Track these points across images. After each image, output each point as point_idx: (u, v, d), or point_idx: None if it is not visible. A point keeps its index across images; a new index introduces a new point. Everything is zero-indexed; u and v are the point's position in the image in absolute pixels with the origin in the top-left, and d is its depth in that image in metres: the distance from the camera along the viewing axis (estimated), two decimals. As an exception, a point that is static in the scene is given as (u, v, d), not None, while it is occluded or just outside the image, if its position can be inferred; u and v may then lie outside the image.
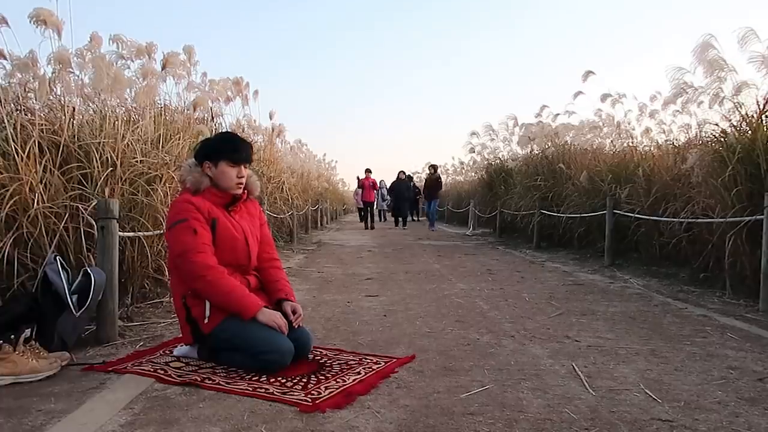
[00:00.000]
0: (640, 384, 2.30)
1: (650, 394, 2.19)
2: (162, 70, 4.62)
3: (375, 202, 17.45)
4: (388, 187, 19.49)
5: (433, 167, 16.14)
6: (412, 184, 21.06)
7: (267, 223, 2.87)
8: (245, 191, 2.66)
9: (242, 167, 2.58)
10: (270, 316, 2.44)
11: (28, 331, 2.41)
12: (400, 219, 16.69)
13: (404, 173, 17.30)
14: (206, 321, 2.44)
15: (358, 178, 17.35)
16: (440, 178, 17.07)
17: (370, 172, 17.14)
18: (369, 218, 16.19)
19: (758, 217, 4.08)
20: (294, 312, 2.60)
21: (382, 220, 22.20)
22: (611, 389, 2.25)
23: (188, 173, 2.58)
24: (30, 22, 3.57)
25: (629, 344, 2.97)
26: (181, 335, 3.04)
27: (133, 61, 4.41)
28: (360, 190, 20.49)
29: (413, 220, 21.29)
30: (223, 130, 2.68)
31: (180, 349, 2.68)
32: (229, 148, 2.57)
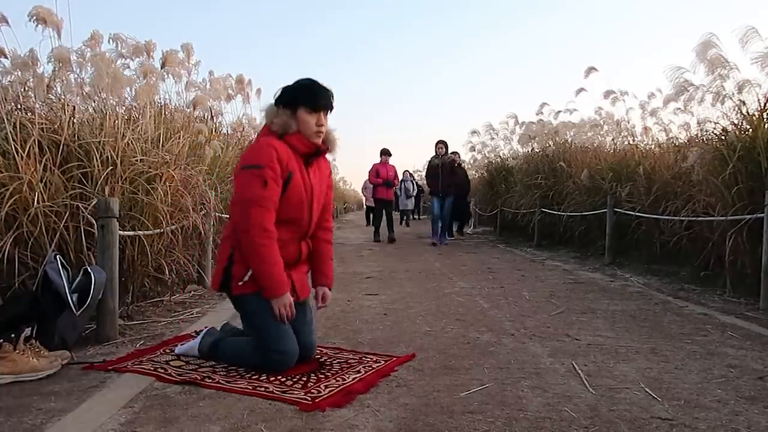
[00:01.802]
0: (640, 382, 2.30)
1: (650, 392, 2.18)
2: (161, 68, 4.62)
3: (395, 201, 12.69)
4: (415, 176, 15.07)
5: (441, 144, 9.67)
6: (413, 181, 17.58)
7: (332, 186, 2.78)
8: (325, 146, 2.54)
9: (321, 115, 2.45)
10: (280, 305, 2.36)
11: (28, 330, 2.41)
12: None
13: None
14: (241, 283, 2.38)
15: (375, 170, 10.40)
16: (460, 164, 11.65)
17: (390, 155, 10.59)
18: (387, 224, 10.45)
19: (759, 215, 4.08)
20: (323, 299, 2.64)
21: (405, 223, 16.62)
22: (611, 388, 2.24)
23: (275, 115, 2.45)
24: (29, 20, 3.57)
25: (629, 343, 2.97)
26: (181, 334, 3.05)
27: (132, 60, 4.41)
28: (369, 184, 16.26)
29: (414, 218, 19.29)
30: (303, 78, 2.54)
31: (181, 348, 2.68)
32: (307, 93, 2.44)
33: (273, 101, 2.50)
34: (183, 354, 2.64)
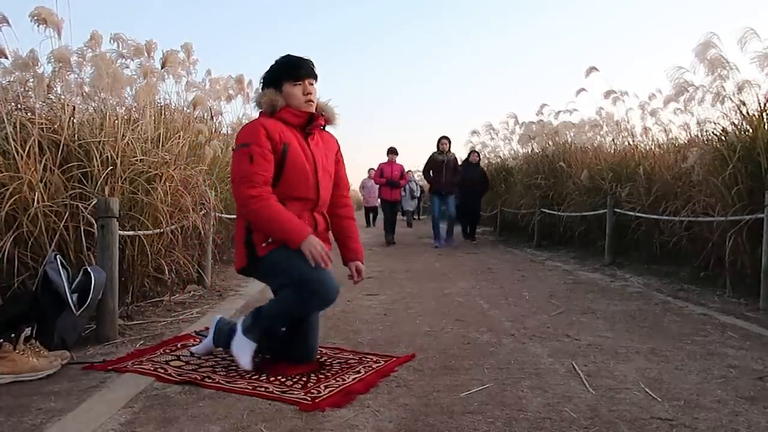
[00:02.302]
0: (640, 383, 2.30)
1: (650, 392, 2.18)
2: (161, 68, 4.62)
3: (399, 202, 11.65)
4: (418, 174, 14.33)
5: (445, 140, 9.07)
6: (416, 181, 16.83)
7: (344, 163, 2.71)
8: (323, 118, 2.53)
9: (306, 83, 2.44)
10: (310, 247, 2.27)
11: (28, 330, 2.41)
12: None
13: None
14: (265, 245, 2.35)
15: (380, 169, 9.80)
16: (478, 161, 10.62)
17: (396, 153, 9.91)
18: (389, 227, 9.78)
19: (759, 215, 4.08)
20: (358, 272, 2.65)
21: (407, 224, 16.04)
22: (611, 388, 2.24)
23: (261, 96, 2.47)
24: (30, 20, 3.57)
25: (629, 343, 2.97)
26: (181, 334, 3.05)
27: (132, 60, 4.40)
28: (370, 182, 15.33)
29: (414, 218, 18.53)
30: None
31: (197, 347, 2.68)
32: (287, 67, 2.45)
33: (260, 88, 2.53)
34: (199, 353, 2.65)
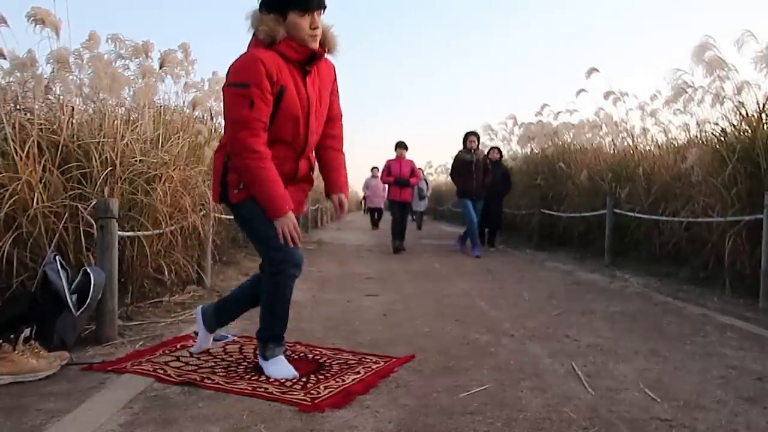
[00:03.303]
0: (640, 383, 2.30)
1: (649, 393, 2.19)
2: (160, 68, 4.61)
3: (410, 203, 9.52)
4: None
5: (474, 137, 8.07)
6: (425, 180, 15.68)
7: (338, 93, 2.55)
8: (323, 47, 2.33)
9: (315, 15, 2.22)
10: (284, 225, 2.24)
11: (27, 331, 2.41)
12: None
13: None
14: (236, 191, 2.29)
15: (387, 167, 8.65)
16: (500, 156, 9.49)
17: (405, 148, 8.70)
18: (397, 229, 8.48)
19: (758, 216, 4.08)
20: (341, 207, 2.55)
21: (417, 226, 15.28)
22: (611, 388, 2.25)
23: (260, 22, 2.23)
24: (28, 21, 3.56)
25: (629, 343, 2.97)
26: (181, 335, 3.05)
27: (131, 61, 4.40)
28: (375, 182, 14.33)
29: (413, 219, 17.58)
30: None
31: (195, 347, 2.70)
32: None
33: (257, 7, 2.27)
34: (197, 351, 2.68)
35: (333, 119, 2.53)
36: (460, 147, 8.06)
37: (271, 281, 2.32)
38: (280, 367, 2.36)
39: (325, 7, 2.27)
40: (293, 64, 2.27)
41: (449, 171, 8.51)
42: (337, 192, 2.56)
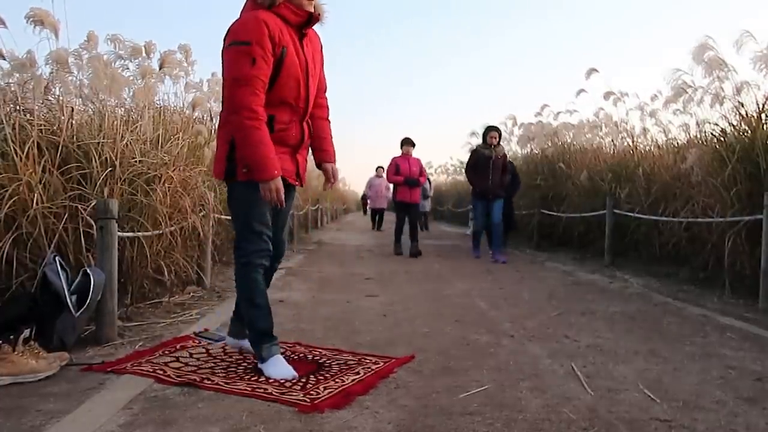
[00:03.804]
0: (639, 384, 2.30)
1: (649, 394, 2.19)
2: (159, 69, 4.61)
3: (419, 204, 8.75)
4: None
5: (495, 132, 7.39)
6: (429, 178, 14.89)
7: (323, 62, 2.61)
8: (317, 12, 2.40)
9: None
10: (267, 189, 2.27)
11: (27, 332, 2.41)
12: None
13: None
14: (245, 170, 2.28)
15: (395, 165, 8.02)
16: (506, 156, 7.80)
17: (413, 145, 8.16)
18: (409, 233, 8.00)
19: (758, 216, 4.08)
20: (334, 176, 2.66)
21: (421, 226, 13.21)
22: (610, 389, 2.25)
23: None
24: (27, 22, 3.56)
25: (628, 344, 2.97)
26: (180, 335, 3.05)
27: (131, 61, 4.40)
28: (379, 182, 14.10)
29: (423, 229, 17.74)
30: None
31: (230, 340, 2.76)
32: None
33: None
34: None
35: (321, 89, 2.62)
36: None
37: (240, 271, 2.43)
38: (279, 368, 2.36)
39: None
40: (291, 27, 2.33)
41: (464, 165, 7.98)
42: (329, 161, 2.65)
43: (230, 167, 2.35)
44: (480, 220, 7.48)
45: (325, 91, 2.67)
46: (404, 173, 7.94)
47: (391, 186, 8.57)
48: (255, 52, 2.20)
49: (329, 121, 2.69)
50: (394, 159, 8.12)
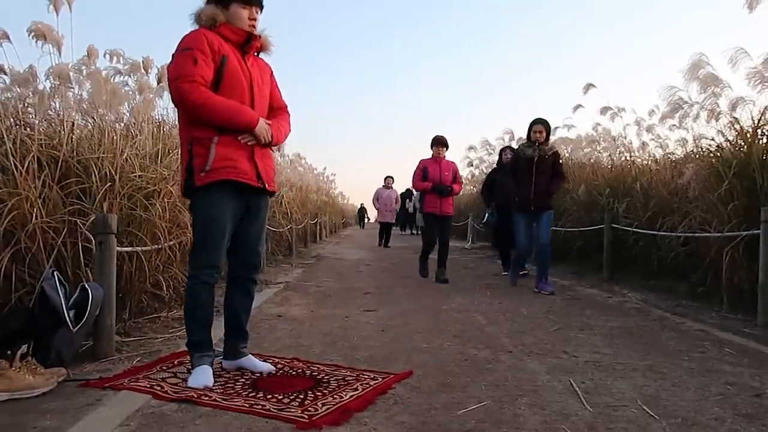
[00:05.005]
0: (638, 400, 2.30)
1: (647, 410, 2.18)
2: (158, 84, 4.64)
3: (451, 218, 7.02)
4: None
5: (540, 126, 5.74)
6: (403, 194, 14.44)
7: (277, 85, 2.78)
8: (260, 39, 2.60)
9: (254, 10, 2.54)
10: (262, 129, 2.49)
11: (24, 347, 2.41)
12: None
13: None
14: (202, 174, 2.40)
15: (423, 168, 6.66)
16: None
17: (446, 145, 6.78)
18: (438, 254, 6.66)
19: (755, 231, 4.09)
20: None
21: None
22: (608, 405, 2.24)
23: (201, 10, 2.52)
24: (29, 36, 3.59)
25: (627, 360, 2.97)
26: (178, 351, 3.04)
27: (130, 77, 4.43)
28: (388, 193, 13.30)
29: (413, 233, 16.51)
30: None
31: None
32: None
33: (202, 3, 2.56)
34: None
35: (280, 108, 2.74)
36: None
37: (188, 282, 2.52)
38: (196, 376, 2.44)
39: (262, 7, 2.58)
40: (232, 44, 2.52)
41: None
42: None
43: (188, 177, 2.45)
44: (524, 239, 5.79)
45: (284, 110, 2.76)
46: (433, 179, 6.58)
47: (417, 194, 6.88)
48: (196, 54, 2.38)
49: (287, 119, 2.75)
50: (422, 162, 6.76)
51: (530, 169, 5.60)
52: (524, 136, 5.89)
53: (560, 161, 5.87)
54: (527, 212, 5.67)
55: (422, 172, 6.68)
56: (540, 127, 5.72)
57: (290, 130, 2.76)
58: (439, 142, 6.71)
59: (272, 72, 2.76)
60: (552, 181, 5.65)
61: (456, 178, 6.77)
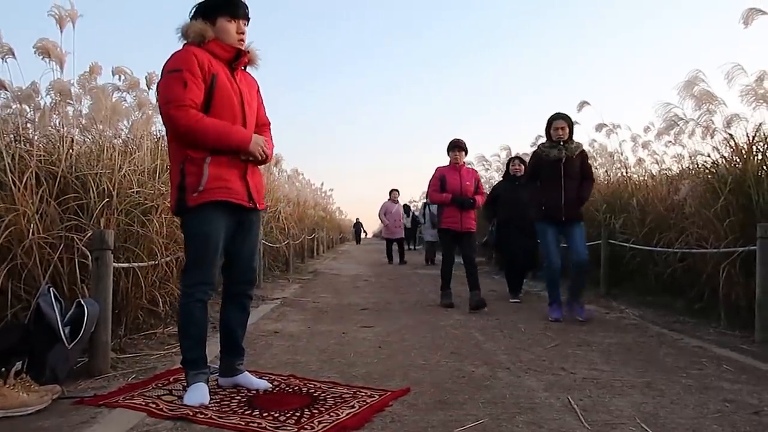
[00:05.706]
0: (636, 418, 2.29)
1: (646, 428, 2.17)
2: (157, 100, 4.66)
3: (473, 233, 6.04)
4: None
5: (563, 122, 4.85)
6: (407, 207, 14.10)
7: (263, 103, 2.78)
8: (248, 54, 2.59)
9: (241, 23, 2.53)
10: (256, 147, 2.50)
11: (19, 364, 2.39)
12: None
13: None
14: (195, 195, 2.39)
15: (440, 176, 5.73)
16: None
17: (464, 150, 5.86)
18: (467, 276, 5.69)
19: (751, 247, 4.10)
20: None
21: (429, 260, 12.20)
22: (606, 423, 2.23)
23: (188, 26, 2.49)
24: (34, 53, 3.62)
25: (625, 376, 2.96)
26: (174, 367, 3.02)
27: (129, 93, 4.45)
28: (396, 208, 12.50)
29: (410, 248, 16.25)
30: None
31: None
32: (226, 2, 2.51)
33: (188, 18, 2.53)
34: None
35: (264, 125, 2.74)
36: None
37: (180, 300, 2.52)
38: (191, 394, 2.43)
39: (249, 20, 2.57)
40: (221, 61, 2.50)
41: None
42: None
43: (181, 197, 2.43)
44: (554, 254, 5.01)
45: (266, 126, 2.76)
46: (453, 189, 5.66)
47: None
48: (186, 77, 2.36)
49: (270, 131, 2.77)
50: (438, 170, 5.86)
51: (557, 172, 4.75)
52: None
53: (588, 161, 5.05)
54: (556, 223, 4.83)
55: (439, 181, 5.73)
56: (561, 122, 4.86)
57: (273, 146, 2.78)
58: (457, 146, 5.77)
59: (258, 88, 2.76)
60: (582, 186, 4.87)
61: (478, 188, 5.88)
